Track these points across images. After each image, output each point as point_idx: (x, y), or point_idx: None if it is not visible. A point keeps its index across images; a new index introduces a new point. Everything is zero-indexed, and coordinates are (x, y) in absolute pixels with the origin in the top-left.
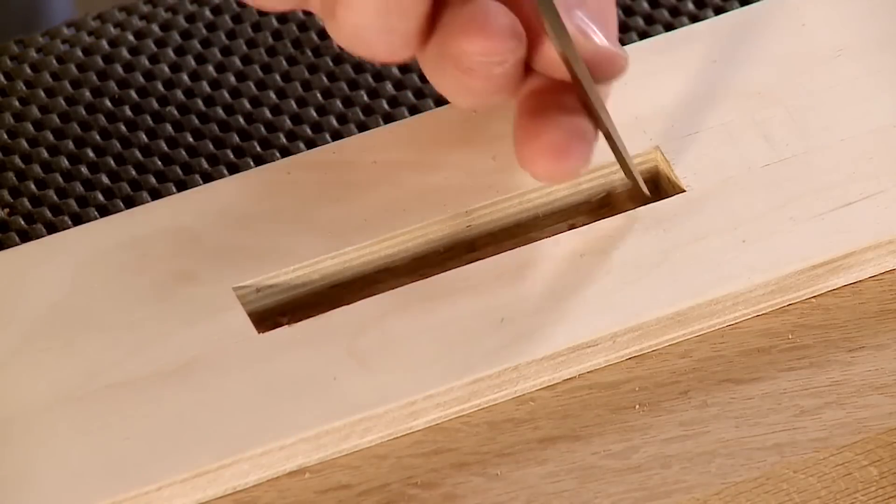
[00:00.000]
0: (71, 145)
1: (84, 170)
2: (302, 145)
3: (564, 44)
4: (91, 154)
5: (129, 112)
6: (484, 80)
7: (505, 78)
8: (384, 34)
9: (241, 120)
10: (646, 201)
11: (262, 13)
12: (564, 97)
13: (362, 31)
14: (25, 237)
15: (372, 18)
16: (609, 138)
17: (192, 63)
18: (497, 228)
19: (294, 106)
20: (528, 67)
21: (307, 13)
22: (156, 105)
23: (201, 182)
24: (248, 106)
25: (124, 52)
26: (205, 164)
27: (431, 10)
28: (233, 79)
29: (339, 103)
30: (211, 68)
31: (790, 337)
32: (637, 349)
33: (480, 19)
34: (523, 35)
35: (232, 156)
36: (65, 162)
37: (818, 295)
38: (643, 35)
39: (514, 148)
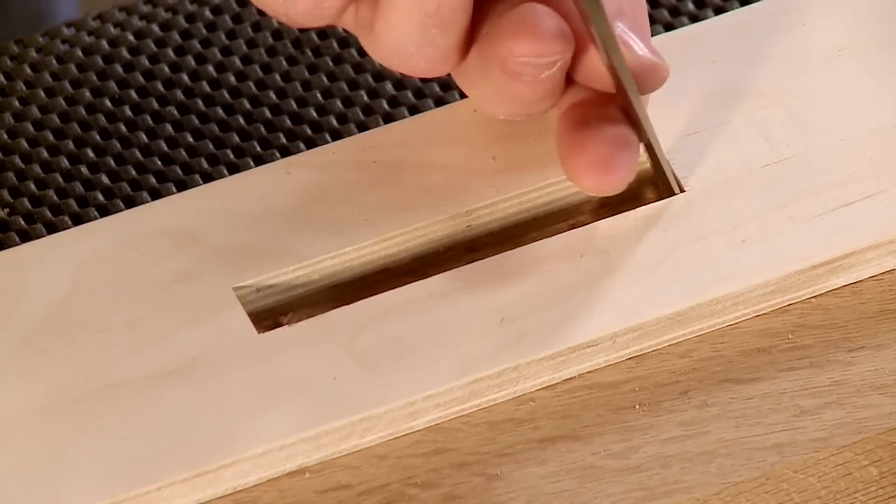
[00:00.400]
0: (71, 145)
1: (84, 170)
2: (301, 145)
3: (613, 52)
4: (91, 154)
5: (129, 112)
6: (530, 84)
7: (551, 83)
8: (425, 48)
9: (241, 120)
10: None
11: (262, 13)
12: (606, 109)
13: (402, 46)
14: (25, 237)
15: (413, 33)
16: (649, 148)
17: (192, 63)
18: (497, 228)
19: (294, 106)
20: (568, 79)
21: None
22: (156, 105)
23: (201, 182)
24: (247, 106)
25: (124, 52)
26: (205, 164)
27: (471, 23)
28: (233, 79)
29: (339, 103)
30: (211, 68)
31: (790, 337)
32: (637, 349)
33: (530, 21)
34: (571, 38)
35: (232, 156)
36: (65, 162)
37: (818, 295)
38: None
39: (560, 161)
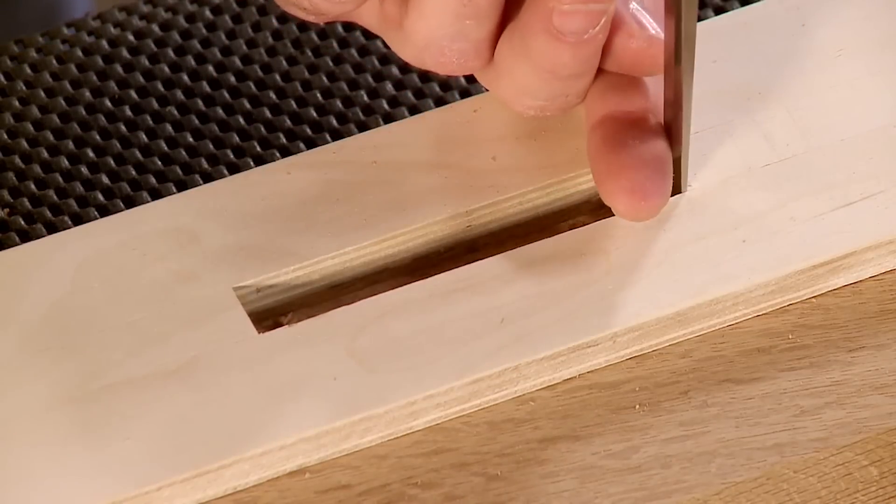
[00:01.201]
0: (71, 145)
1: (84, 170)
2: (302, 145)
3: (688, 48)
4: (91, 154)
5: (129, 112)
6: (572, 48)
7: (592, 48)
8: (458, 42)
9: (241, 120)
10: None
11: (261, 13)
12: (640, 123)
13: (435, 40)
14: (25, 237)
15: (447, 25)
16: (677, 160)
17: (192, 63)
18: (497, 228)
19: (294, 106)
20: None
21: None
22: (156, 105)
23: (201, 182)
24: (247, 106)
25: (124, 52)
26: (205, 164)
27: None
28: (233, 79)
29: (339, 103)
30: (211, 68)
31: (790, 337)
32: (637, 349)
33: None
34: None
35: (232, 156)
36: (65, 162)
37: (818, 295)
38: None
39: (595, 183)
